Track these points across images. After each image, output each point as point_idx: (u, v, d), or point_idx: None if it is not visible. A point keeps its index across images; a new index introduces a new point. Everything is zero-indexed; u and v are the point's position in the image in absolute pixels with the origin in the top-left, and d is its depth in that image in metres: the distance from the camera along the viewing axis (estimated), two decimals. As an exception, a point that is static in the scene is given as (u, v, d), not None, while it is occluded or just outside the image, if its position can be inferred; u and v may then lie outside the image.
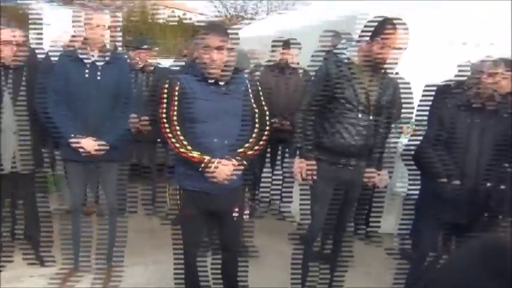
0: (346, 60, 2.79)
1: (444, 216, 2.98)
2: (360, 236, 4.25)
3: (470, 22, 4.68)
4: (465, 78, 3.70)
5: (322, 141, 2.80)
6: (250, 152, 2.58)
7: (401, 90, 3.64)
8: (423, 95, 3.94)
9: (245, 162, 2.56)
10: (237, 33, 2.69)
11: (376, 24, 2.76)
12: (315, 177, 2.80)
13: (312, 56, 4.45)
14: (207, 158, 2.48)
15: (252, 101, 2.64)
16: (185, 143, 2.49)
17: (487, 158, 2.92)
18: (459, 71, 4.03)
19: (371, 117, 2.77)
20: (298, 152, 2.91)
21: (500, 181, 2.90)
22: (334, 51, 2.92)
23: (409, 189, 3.99)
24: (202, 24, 3.18)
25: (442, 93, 3.50)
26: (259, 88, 2.69)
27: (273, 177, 4.78)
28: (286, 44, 4.50)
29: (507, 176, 2.86)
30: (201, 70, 2.51)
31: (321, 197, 2.86)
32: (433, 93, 3.68)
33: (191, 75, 2.55)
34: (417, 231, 3.53)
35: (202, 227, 2.77)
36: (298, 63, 4.51)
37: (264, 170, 4.68)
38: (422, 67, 4.20)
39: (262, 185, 4.78)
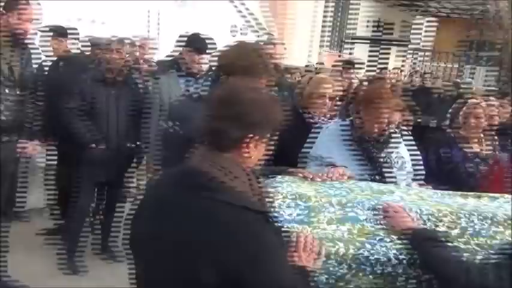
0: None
1: (97, 177, 3.37)
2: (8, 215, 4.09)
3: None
4: (89, 52, 4.09)
5: (-30, 121, 2.62)
6: None
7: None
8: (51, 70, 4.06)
9: None
10: None
11: (9, -3, 2.75)
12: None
13: None
14: None
15: None
16: None
17: (124, 122, 3.44)
18: (83, 46, 4.37)
19: (18, 92, 2.79)
20: None
21: (138, 140, 3.49)
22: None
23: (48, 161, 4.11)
24: None
25: (79, 69, 3.76)
26: None
27: None
28: None
29: (143, 135, 3.46)
30: None
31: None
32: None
33: None
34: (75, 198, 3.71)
35: None
36: None
37: None
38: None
39: None
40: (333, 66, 4.81)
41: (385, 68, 6.88)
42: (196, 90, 1.95)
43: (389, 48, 11.05)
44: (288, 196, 1.80)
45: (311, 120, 2.74)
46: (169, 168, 1.46)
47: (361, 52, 10.11)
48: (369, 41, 11.46)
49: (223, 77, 1.82)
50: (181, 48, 4.23)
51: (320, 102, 2.78)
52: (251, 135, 1.29)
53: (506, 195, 1.99)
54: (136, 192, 4.58)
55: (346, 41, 11.83)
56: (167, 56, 4.78)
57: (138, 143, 3.51)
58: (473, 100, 2.93)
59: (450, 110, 3.07)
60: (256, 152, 1.33)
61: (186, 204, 1.24)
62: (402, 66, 11.50)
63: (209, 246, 1.18)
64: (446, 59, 12.91)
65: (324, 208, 1.77)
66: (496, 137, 2.97)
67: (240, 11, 8.83)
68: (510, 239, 1.62)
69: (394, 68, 6.97)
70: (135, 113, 3.45)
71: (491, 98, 3.75)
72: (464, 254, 1.60)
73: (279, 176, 1.97)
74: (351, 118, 2.43)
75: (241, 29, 8.76)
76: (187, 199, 1.24)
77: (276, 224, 1.37)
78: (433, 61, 13.25)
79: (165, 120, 1.98)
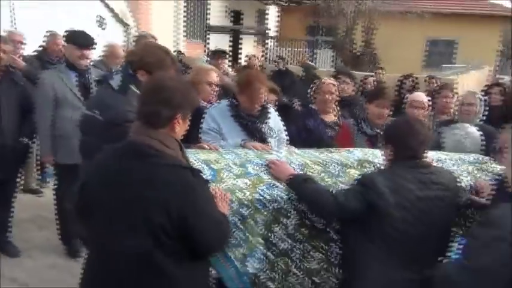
0: None
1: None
2: None
3: None
4: None
5: None
6: None
7: None
8: None
9: None
10: None
11: None
12: None
13: None
14: None
15: None
16: None
17: (14, 118, 3.47)
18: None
19: None
20: None
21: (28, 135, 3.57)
22: None
23: None
24: None
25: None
26: None
27: None
28: None
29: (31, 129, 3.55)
30: None
31: None
32: None
33: None
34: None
35: None
36: None
37: None
38: None
39: None
40: (208, 56, 5.30)
41: (253, 56, 7.50)
42: (111, 82, 2.25)
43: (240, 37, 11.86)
44: (195, 163, 2.27)
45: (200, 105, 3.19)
46: (90, 150, 1.80)
47: (217, 41, 10.69)
48: (227, 31, 12.12)
49: (139, 71, 2.19)
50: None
51: (205, 88, 3.24)
52: (177, 114, 1.71)
53: (357, 148, 2.72)
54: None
55: (206, 30, 12.34)
56: (34, 51, 4.76)
57: (24, 138, 3.55)
58: (326, 79, 3.66)
59: (308, 90, 3.75)
60: (181, 127, 1.76)
61: (134, 168, 1.63)
62: (263, 52, 12.46)
63: (158, 196, 1.59)
64: (291, 44, 14.15)
65: (225, 169, 2.28)
66: (342, 108, 3.76)
67: (104, 3, 8.73)
68: (358, 176, 2.30)
69: (252, 55, 7.60)
70: (24, 108, 3.51)
71: (339, 76, 4.60)
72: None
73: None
74: (231, 99, 2.97)
75: (106, 21, 8.69)
76: (135, 165, 1.64)
77: (203, 178, 1.81)
78: (282, 46, 14.40)
79: (88, 108, 2.27)
